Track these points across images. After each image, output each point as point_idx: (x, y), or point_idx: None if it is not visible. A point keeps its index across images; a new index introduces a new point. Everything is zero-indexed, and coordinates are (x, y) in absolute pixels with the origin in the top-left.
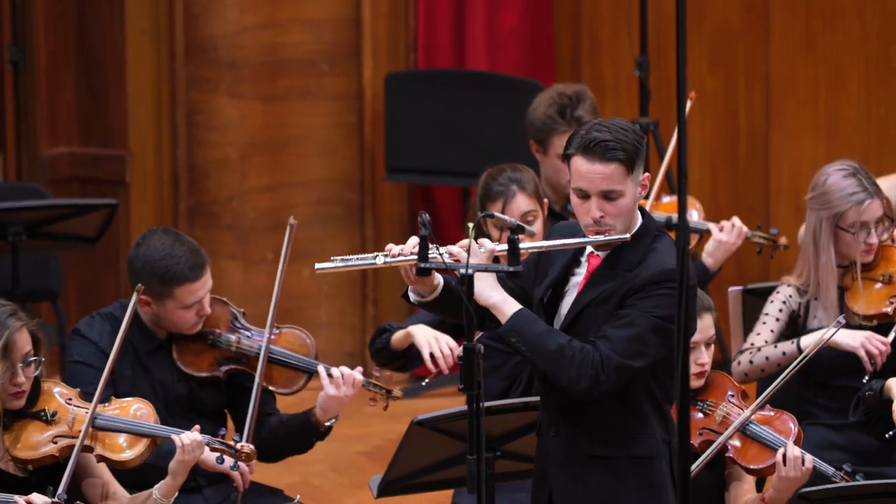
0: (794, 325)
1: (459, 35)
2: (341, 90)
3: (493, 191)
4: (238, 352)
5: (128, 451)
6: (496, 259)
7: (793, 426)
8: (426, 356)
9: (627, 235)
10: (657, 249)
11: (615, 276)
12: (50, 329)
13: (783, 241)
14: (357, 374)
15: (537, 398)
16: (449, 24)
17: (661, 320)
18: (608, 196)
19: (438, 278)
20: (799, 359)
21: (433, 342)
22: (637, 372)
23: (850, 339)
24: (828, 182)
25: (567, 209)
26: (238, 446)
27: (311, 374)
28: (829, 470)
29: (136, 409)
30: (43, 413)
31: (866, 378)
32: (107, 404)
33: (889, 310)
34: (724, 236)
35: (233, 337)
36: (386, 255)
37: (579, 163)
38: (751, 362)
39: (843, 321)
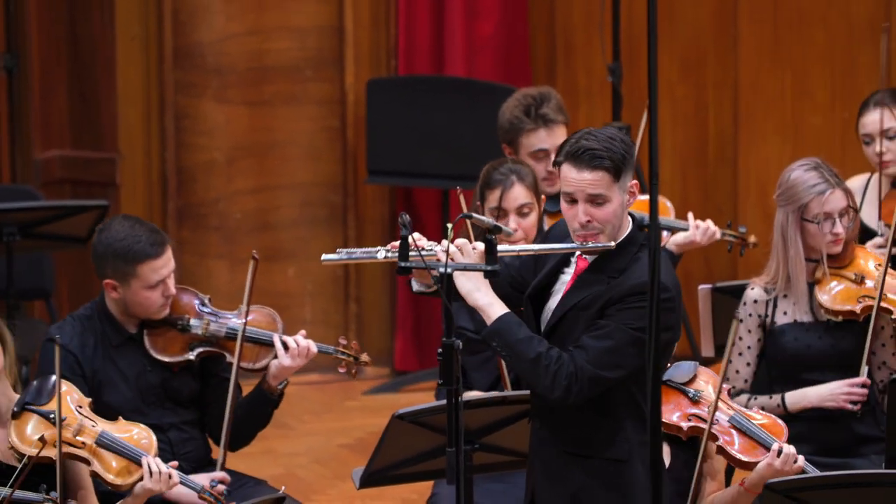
0: (764, 328)
1: (438, 42)
2: (325, 95)
3: (493, 179)
4: (208, 334)
5: (122, 476)
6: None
7: (784, 430)
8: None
9: (612, 244)
10: (641, 259)
11: (599, 281)
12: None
13: (752, 239)
14: (311, 344)
15: (515, 392)
16: (428, 32)
17: (639, 332)
18: (595, 202)
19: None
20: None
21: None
22: (611, 382)
23: (832, 400)
24: (791, 177)
25: (544, 209)
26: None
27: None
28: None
29: (139, 437)
30: (52, 414)
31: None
32: (115, 424)
33: (857, 308)
34: (696, 236)
35: (202, 321)
36: (388, 250)
37: (567, 170)
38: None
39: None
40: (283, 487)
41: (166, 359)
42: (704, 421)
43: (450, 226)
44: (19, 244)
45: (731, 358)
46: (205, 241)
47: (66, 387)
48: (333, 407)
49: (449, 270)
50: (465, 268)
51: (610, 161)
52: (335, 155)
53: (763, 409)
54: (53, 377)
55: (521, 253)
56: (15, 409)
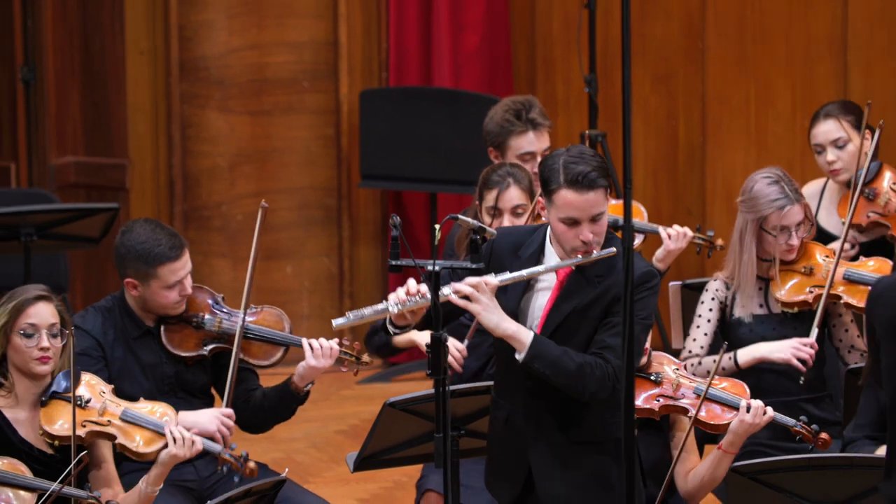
0: (724, 317)
1: (427, 55)
2: (320, 105)
3: (492, 180)
4: (221, 331)
5: (142, 444)
6: (505, 289)
7: (746, 388)
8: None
9: (613, 250)
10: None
11: (589, 282)
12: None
13: (719, 242)
14: (334, 344)
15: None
16: (417, 46)
17: (646, 320)
18: (595, 219)
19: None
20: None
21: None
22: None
23: (781, 352)
24: (754, 188)
25: None
26: (245, 463)
27: (287, 347)
28: (790, 421)
29: (162, 414)
30: (79, 399)
31: (801, 380)
32: (136, 403)
33: (809, 297)
34: (673, 245)
35: (215, 318)
36: (397, 304)
37: (569, 195)
38: (693, 374)
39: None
40: (286, 470)
41: (181, 353)
42: (672, 398)
43: (437, 226)
44: (36, 244)
45: (691, 331)
46: (209, 241)
47: (89, 376)
48: (330, 395)
49: (437, 269)
50: (453, 266)
51: (603, 179)
52: (330, 161)
53: (710, 371)
54: (77, 368)
55: (529, 277)
56: (43, 398)
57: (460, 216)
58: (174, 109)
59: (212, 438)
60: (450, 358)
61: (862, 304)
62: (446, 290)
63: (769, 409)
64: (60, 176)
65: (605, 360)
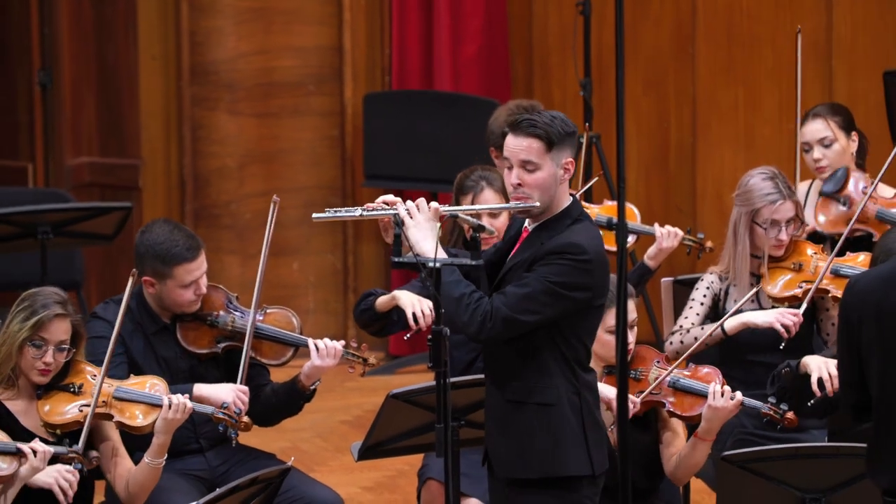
0: (716, 308)
1: (428, 61)
2: (326, 108)
3: (465, 186)
4: (233, 330)
5: (141, 418)
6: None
7: (716, 375)
8: (409, 315)
9: (537, 203)
10: (572, 230)
11: (534, 245)
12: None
13: (709, 244)
14: (338, 345)
15: None
16: (419, 52)
17: (555, 285)
18: (526, 167)
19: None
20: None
21: (416, 303)
22: (527, 325)
23: (766, 316)
24: (750, 182)
25: None
26: (239, 418)
27: (297, 347)
28: (758, 404)
29: (152, 385)
30: (71, 386)
31: (782, 346)
32: (126, 379)
33: (798, 292)
34: (665, 243)
35: (228, 317)
36: (365, 210)
37: (508, 138)
38: (681, 342)
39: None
40: (291, 459)
41: (195, 350)
42: (651, 394)
43: (438, 224)
44: (52, 241)
45: (683, 311)
46: (218, 238)
47: (79, 362)
48: (335, 387)
49: (437, 265)
50: (453, 263)
51: (543, 131)
52: (335, 161)
53: (697, 338)
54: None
55: (455, 211)
56: (39, 392)
57: (460, 214)
58: (185, 112)
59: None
60: (419, 313)
61: None
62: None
63: (737, 394)
64: (75, 176)
65: (491, 301)
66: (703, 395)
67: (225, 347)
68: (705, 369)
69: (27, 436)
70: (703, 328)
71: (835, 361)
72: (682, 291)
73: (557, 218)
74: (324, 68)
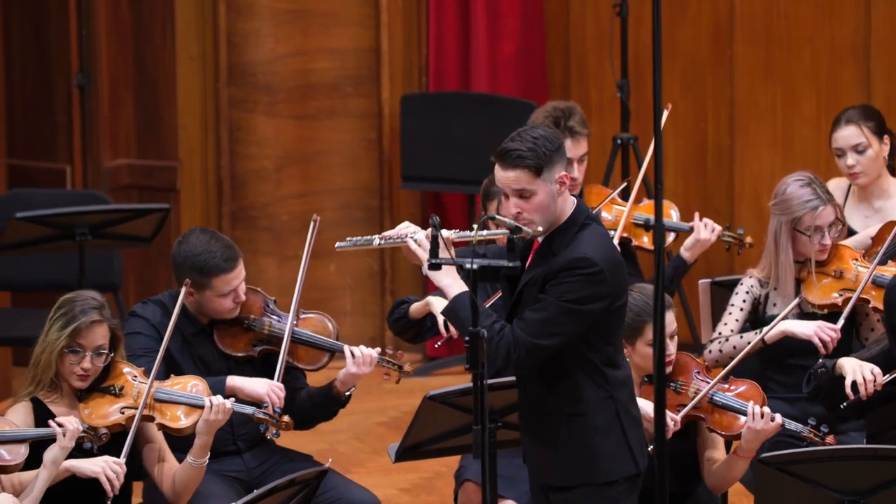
0: (756, 312)
1: (465, 61)
2: (363, 110)
3: (491, 192)
4: (270, 334)
5: (183, 419)
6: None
7: (755, 392)
8: (440, 322)
9: (540, 228)
10: (579, 238)
11: (545, 259)
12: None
13: (748, 240)
14: (374, 353)
15: None
16: (456, 53)
17: (571, 303)
18: (522, 195)
19: None
20: (757, 338)
21: None
22: (551, 349)
23: (805, 328)
24: (787, 191)
25: None
26: (280, 417)
27: (333, 352)
28: (798, 426)
29: (192, 386)
30: (112, 388)
31: (820, 360)
32: (166, 381)
33: (838, 301)
34: (703, 235)
35: (265, 321)
36: (381, 238)
37: (496, 169)
38: (720, 350)
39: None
40: (329, 460)
41: (232, 353)
42: (694, 408)
43: (475, 226)
44: (90, 243)
45: (722, 317)
46: (255, 240)
47: (119, 363)
48: (372, 389)
49: (475, 266)
50: (490, 264)
51: (530, 160)
52: (372, 163)
53: (736, 347)
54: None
55: (470, 239)
56: (80, 393)
57: (497, 216)
58: (222, 113)
59: (262, 400)
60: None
61: None
62: (415, 234)
63: (777, 416)
64: (113, 178)
65: (512, 330)
66: (742, 413)
67: (261, 351)
68: (744, 386)
69: None
70: (742, 337)
71: (870, 365)
72: (720, 293)
73: (565, 227)
74: (361, 70)
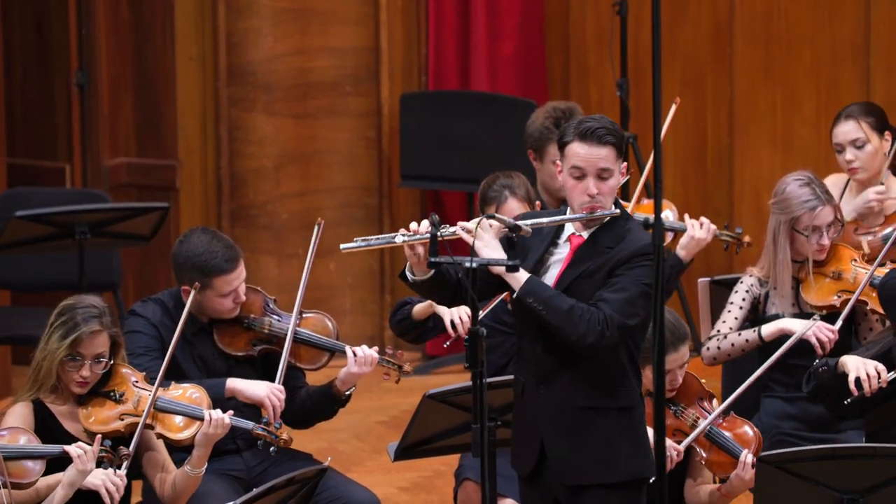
0: (756, 311)
1: (465, 61)
2: (362, 108)
3: (489, 196)
4: (270, 333)
5: (184, 431)
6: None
7: (752, 435)
8: (447, 322)
9: (617, 210)
10: (632, 230)
11: (598, 252)
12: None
13: (747, 239)
14: (374, 353)
15: None
16: (455, 52)
17: (648, 287)
18: (601, 176)
19: None
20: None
21: (453, 311)
22: (631, 330)
23: (803, 327)
24: (786, 190)
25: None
26: (279, 433)
27: (333, 352)
28: None
29: (192, 396)
30: (113, 393)
31: (820, 359)
32: (168, 388)
33: (836, 302)
34: (697, 233)
35: (265, 320)
36: (404, 235)
37: (578, 147)
38: (718, 348)
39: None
40: (328, 459)
41: (231, 352)
42: (686, 436)
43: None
44: (90, 242)
45: (721, 315)
46: (255, 238)
47: (119, 366)
48: (371, 388)
49: (474, 265)
50: (489, 263)
51: (614, 138)
52: (371, 162)
53: (734, 344)
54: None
55: (541, 224)
56: (80, 398)
57: (496, 215)
58: (222, 112)
59: (262, 404)
60: (457, 321)
61: None
62: (453, 228)
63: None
64: (113, 176)
65: (599, 308)
66: (735, 457)
67: (261, 350)
68: (744, 427)
69: (70, 440)
70: (740, 334)
71: (874, 362)
72: (719, 292)
73: (613, 221)
74: (360, 69)
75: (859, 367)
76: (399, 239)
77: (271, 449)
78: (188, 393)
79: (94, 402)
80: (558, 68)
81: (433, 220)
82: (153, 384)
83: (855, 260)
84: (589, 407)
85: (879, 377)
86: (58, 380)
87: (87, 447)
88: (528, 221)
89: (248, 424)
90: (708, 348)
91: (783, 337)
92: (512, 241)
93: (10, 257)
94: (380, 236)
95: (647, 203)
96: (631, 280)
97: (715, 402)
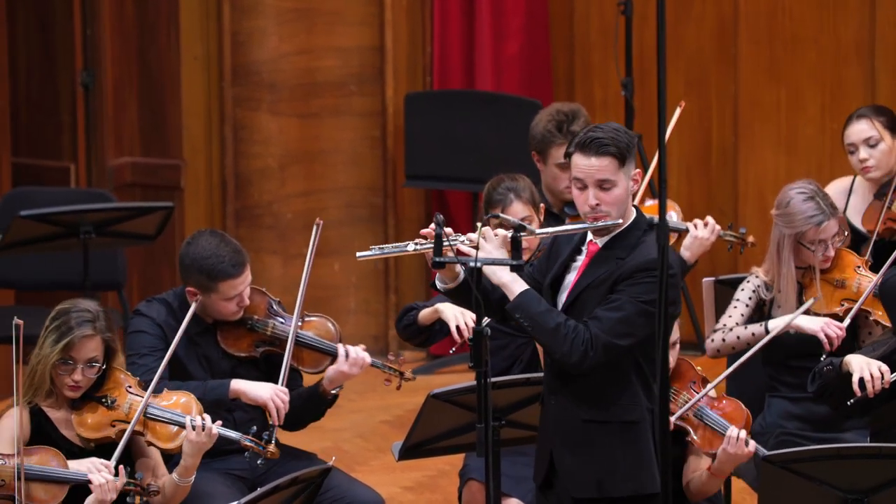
0: (760, 311)
1: (469, 60)
2: (367, 108)
3: (494, 199)
4: (273, 335)
5: (175, 440)
6: (548, 265)
7: (740, 412)
8: (453, 328)
9: (619, 220)
10: (645, 242)
11: (609, 262)
12: (115, 314)
13: (751, 239)
14: (367, 357)
15: (538, 374)
16: (460, 51)
17: (646, 304)
18: (602, 186)
19: (460, 269)
20: (759, 343)
21: (458, 315)
22: (624, 350)
23: (812, 323)
24: (790, 204)
25: (564, 211)
26: (266, 446)
27: (335, 356)
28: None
29: (183, 404)
30: (105, 399)
31: (823, 357)
32: (159, 396)
33: (839, 310)
34: (700, 233)
35: (269, 322)
36: (416, 243)
37: (578, 158)
38: (723, 340)
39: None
40: (332, 459)
41: (234, 353)
42: (681, 417)
43: (479, 224)
44: (94, 241)
45: (727, 310)
46: (260, 238)
47: (114, 370)
48: (376, 387)
49: (478, 265)
50: (493, 262)
51: (615, 148)
52: (376, 161)
53: (740, 337)
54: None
55: (544, 235)
56: (74, 402)
57: (500, 215)
58: (227, 112)
59: (265, 406)
60: (462, 326)
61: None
62: (462, 237)
63: (752, 442)
64: (117, 176)
65: (587, 326)
66: (722, 433)
67: (264, 352)
68: (732, 405)
69: (65, 444)
70: (746, 327)
71: (878, 362)
72: (724, 291)
73: (628, 230)
74: (365, 68)
75: (863, 368)
76: (411, 247)
77: (259, 461)
78: (181, 400)
79: (87, 407)
80: (563, 68)
81: (438, 219)
82: (144, 388)
83: (859, 267)
84: (591, 420)
85: (883, 378)
86: (52, 384)
87: (111, 477)
88: (538, 231)
89: (235, 435)
90: (713, 340)
91: (789, 340)
92: (517, 241)
93: (14, 257)
94: (394, 245)
95: (652, 204)
96: (629, 298)
97: (708, 386)
